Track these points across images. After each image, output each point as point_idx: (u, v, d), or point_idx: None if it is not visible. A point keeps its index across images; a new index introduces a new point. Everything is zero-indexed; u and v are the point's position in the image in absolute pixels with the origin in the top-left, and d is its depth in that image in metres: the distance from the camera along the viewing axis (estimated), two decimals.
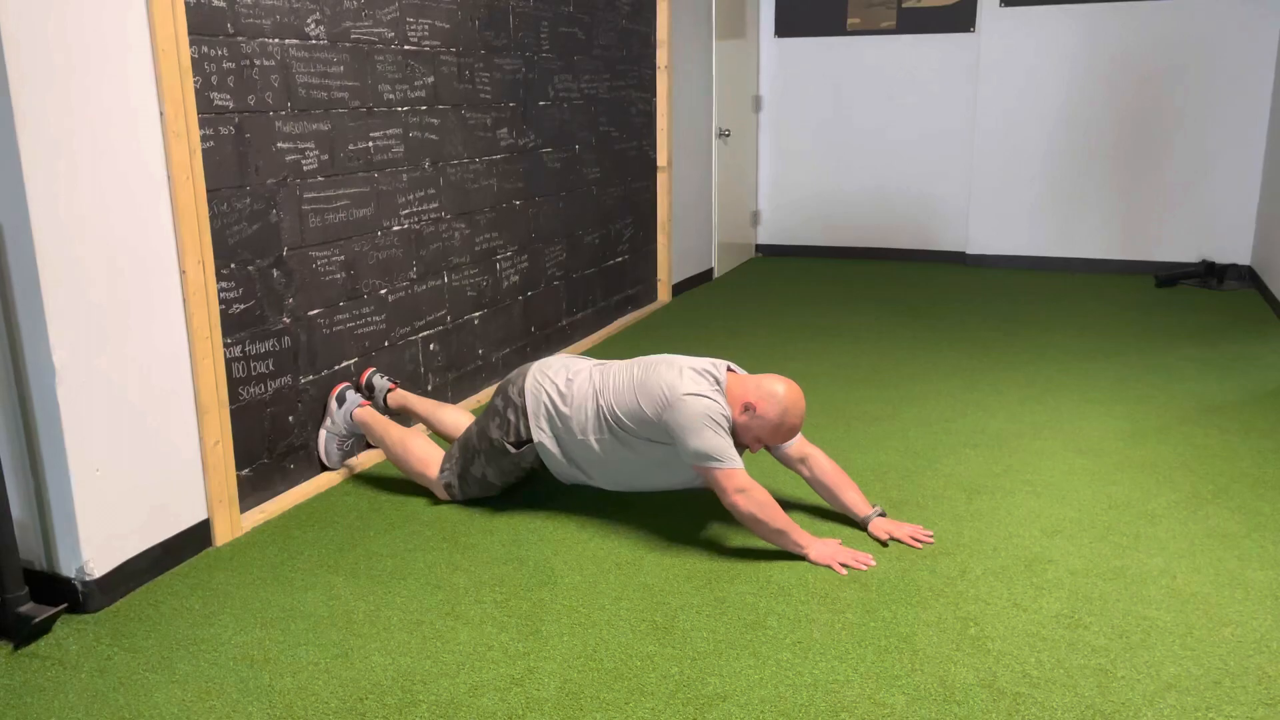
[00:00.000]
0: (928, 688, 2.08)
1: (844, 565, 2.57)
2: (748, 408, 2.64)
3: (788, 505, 2.95)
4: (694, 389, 2.61)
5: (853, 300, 5.79)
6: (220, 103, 2.69)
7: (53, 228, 2.23)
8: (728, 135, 6.41)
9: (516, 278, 4.20)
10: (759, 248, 7.35)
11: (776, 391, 2.65)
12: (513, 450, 2.85)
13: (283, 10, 2.87)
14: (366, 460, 3.31)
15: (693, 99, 5.89)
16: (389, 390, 3.28)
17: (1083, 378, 4.20)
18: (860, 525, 2.80)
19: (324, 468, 3.19)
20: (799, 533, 2.62)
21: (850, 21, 6.75)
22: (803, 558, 2.62)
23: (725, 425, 2.61)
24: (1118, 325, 5.11)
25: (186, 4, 2.55)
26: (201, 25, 2.61)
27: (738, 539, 2.75)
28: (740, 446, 2.71)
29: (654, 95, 5.40)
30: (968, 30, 6.51)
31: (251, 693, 2.09)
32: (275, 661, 2.20)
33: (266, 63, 2.83)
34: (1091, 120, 6.35)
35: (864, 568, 2.57)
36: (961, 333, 5.00)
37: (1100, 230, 6.49)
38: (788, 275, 6.58)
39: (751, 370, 4.33)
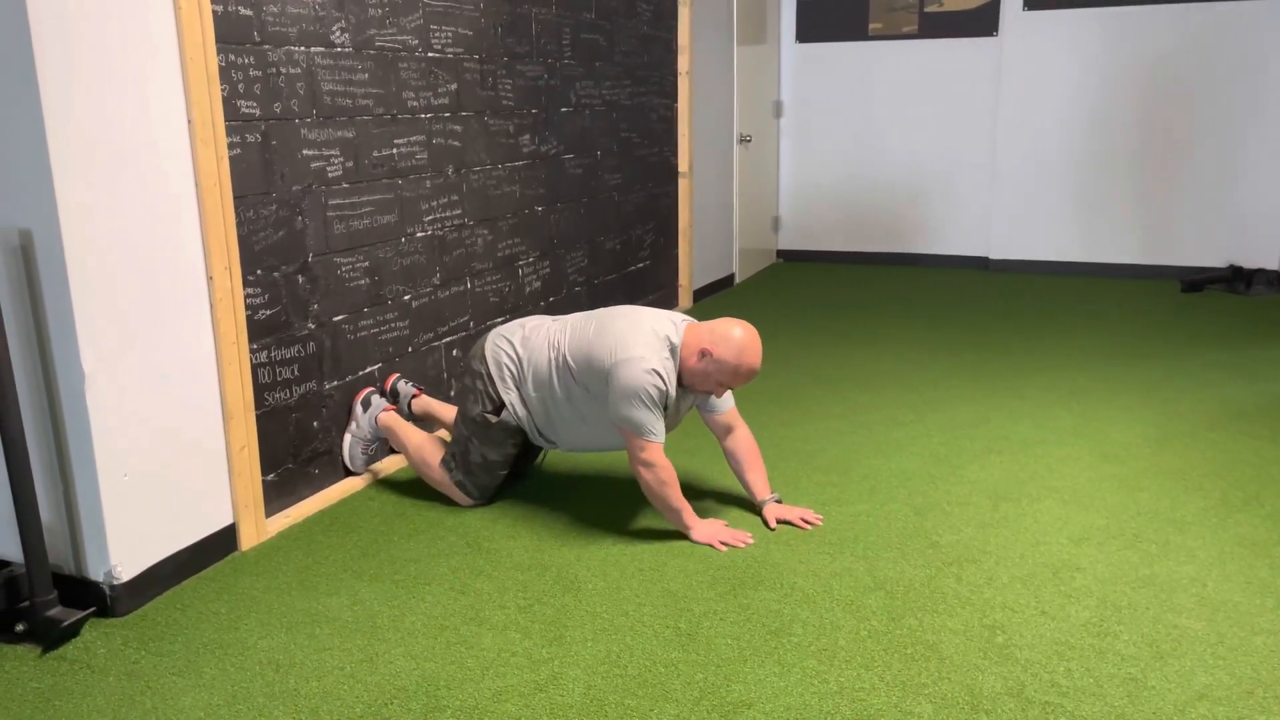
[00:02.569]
0: (954, 697, 2.06)
1: (724, 544, 2.71)
2: (704, 354, 2.67)
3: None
4: (643, 354, 2.63)
5: (874, 306, 5.77)
6: (247, 110, 2.71)
7: (82, 234, 2.25)
8: (749, 141, 6.40)
9: (538, 283, 4.21)
10: (780, 253, 7.33)
11: (732, 334, 2.68)
12: (494, 419, 2.87)
13: (308, 19, 2.89)
14: (390, 465, 3.32)
15: (714, 105, 5.89)
16: (413, 396, 3.29)
17: (1109, 383, 4.16)
18: (757, 507, 2.93)
19: (348, 472, 3.20)
20: (689, 514, 2.76)
21: (872, 26, 6.74)
22: (686, 536, 2.76)
23: (658, 399, 2.66)
24: (1144, 330, 5.06)
25: (214, 13, 2.57)
26: (229, 34, 2.63)
27: (761, 545, 2.74)
28: (704, 393, 2.80)
29: (675, 101, 5.41)
30: (990, 34, 6.48)
31: (277, 697, 2.10)
32: (300, 666, 2.21)
33: (292, 70, 2.85)
34: (1116, 124, 6.30)
35: (742, 545, 2.72)
36: (985, 338, 4.97)
37: (1125, 235, 6.44)
38: (809, 281, 6.56)
39: (771, 374, 4.32)
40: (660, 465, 2.68)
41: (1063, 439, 3.52)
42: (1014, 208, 6.64)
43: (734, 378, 2.70)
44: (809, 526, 2.84)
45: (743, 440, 2.93)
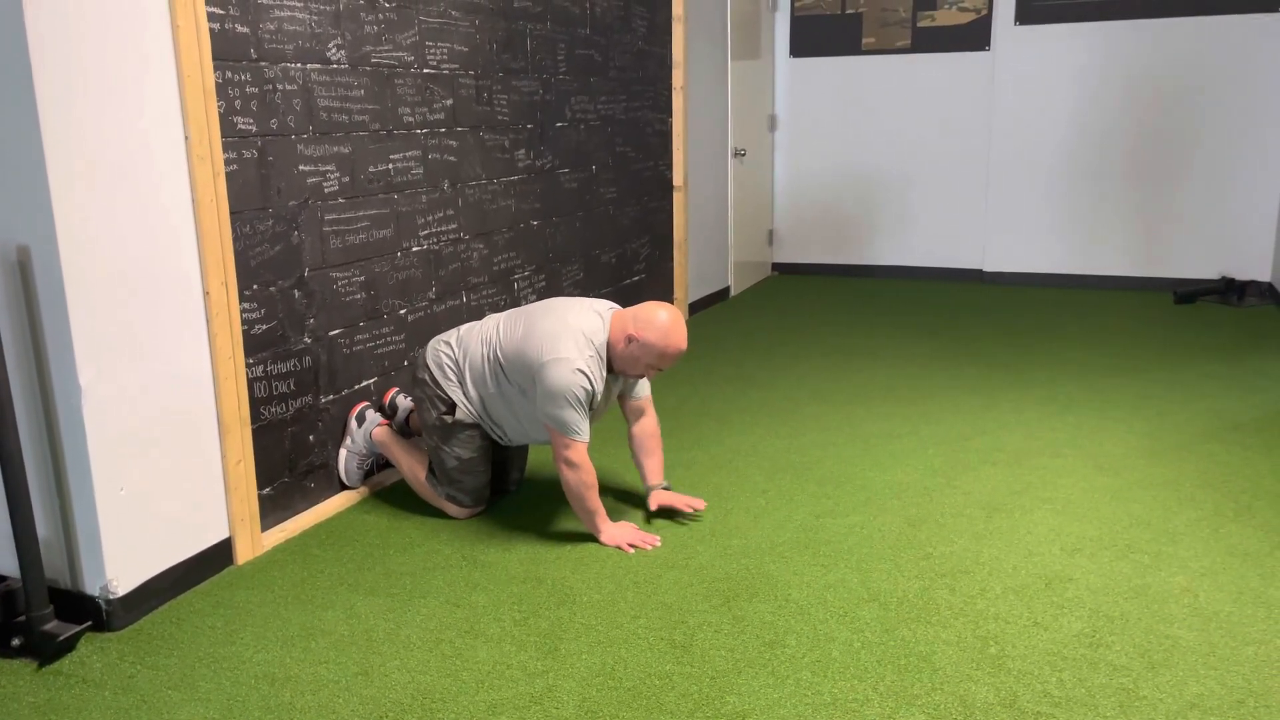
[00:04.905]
0: (948, 707, 2.07)
1: (632, 545, 2.80)
2: (630, 339, 2.75)
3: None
4: (570, 354, 2.70)
5: (870, 318, 5.79)
6: (244, 126, 2.73)
7: (79, 249, 2.26)
8: (743, 155, 6.43)
9: (534, 297, 4.22)
10: (775, 266, 7.36)
11: (657, 318, 2.75)
12: (450, 419, 2.93)
13: (305, 36, 2.91)
14: (386, 479, 3.33)
15: (708, 119, 5.92)
16: (411, 411, 3.30)
17: (1102, 395, 4.18)
18: (644, 491, 3.05)
19: (344, 486, 3.21)
20: (602, 517, 2.85)
21: (865, 41, 6.78)
22: (595, 539, 2.85)
23: (585, 399, 2.72)
24: (1137, 342, 5.09)
25: (211, 31, 2.60)
26: (225, 51, 2.65)
27: (756, 557, 2.75)
28: (635, 378, 2.88)
29: (670, 116, 5.44)
30: (983, 49, 6.52)
31: (273, 711, 2.10)
32: (296, 680, 2.21)
33: (289, 87, 2.87)
34: (1108, 137, 6.34)
35: (649, 548, 2.81)
36: (979, 350, 4.99)
37: (1118, 247, 6.47)
38: (804, 294, 6.59)
39: (767, 385, 4.34)
40: (584, 467, 2.76)
41: (1057, 450, 3.53)
42: (1008, 220, 6.68)
43: (661, 359, 2.77)
44: (691, 511, 2.98)
45: (648, 427, 3.03)
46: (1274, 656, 2.22)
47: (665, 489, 3.03)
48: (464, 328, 3.02)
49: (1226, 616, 2.40)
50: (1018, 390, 4.28)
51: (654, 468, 3.03)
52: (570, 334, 2.74)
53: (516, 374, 2.81)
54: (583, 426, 2.74)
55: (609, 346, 2.78)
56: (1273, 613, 2.41)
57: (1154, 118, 6.22)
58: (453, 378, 2.94)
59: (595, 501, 2.82)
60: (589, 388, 2.72)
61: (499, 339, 2.87)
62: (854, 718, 2.04)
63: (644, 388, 3.01)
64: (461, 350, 2.94)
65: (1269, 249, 6.13)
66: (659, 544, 2.83)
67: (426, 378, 2.97)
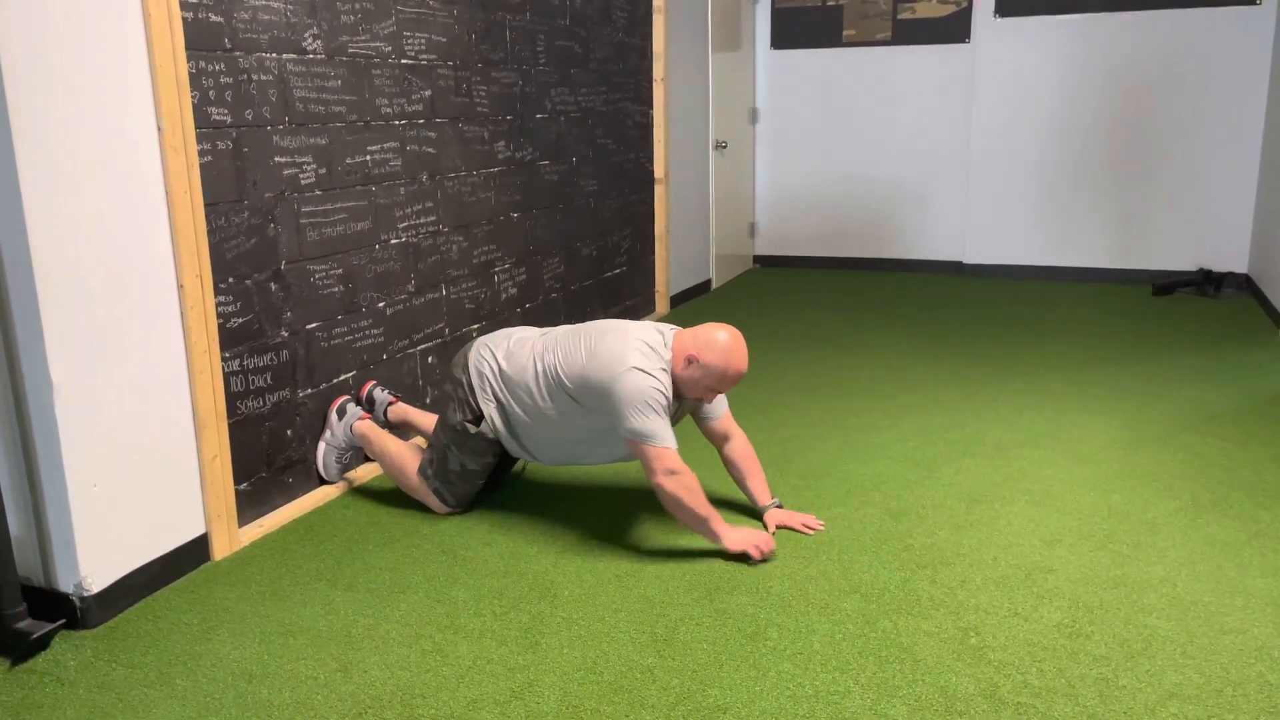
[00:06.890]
0: (929, 698, 2.07)
1: (759, 549, 2.65)
2: (690, 360, 2.66)
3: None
4: (640, 364, 2.63)
5: (850, 311, 5.80)
6: (218, 117, 2.69)
7: (51, 243, 2.23)
8: (725, 147, 6.42)
9: (514, 290, 4.20)
10: (756, 259, 7.36)
11: (717, 339, 2.66)
12: (473, 429, 2.86)
13: (280, 25, 2.88)
14: (365, 474, 3.30)
15: (689, 111, 5.91)
16: (389, 404, 3.27)
17: (1082, 387, 4.20)
18: (758, 514, 2.91)
19: (322, 481, 3.18)
20: (719, 522, 2.67)
21: (846, 33, 6.78)
22: (720, 547, 2.68)
23: (665, 405, 2.64)
24: (1116, 334, 5.12)
25: (184, 20, 2.56)
26: (199, 41, 2.62)
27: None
28: (694, 401, 2.78)
29: (651, 108, 5.42)
30: (963, 41, 6.53)
31: (250, 708, 2.08)
32: (274, 676, 2.19)
33: (264, 77, 2.83)
34: (1087, 129, 6.37)
35: (771, 551, 2.68)
36: (960, 342, 5.01)
37: (1097, 239, 6.50)
38: (785, 286, 6.59)
39: (747, 378, 4.34)
40: (684, 471, 2.62)
41: (1036, 442, 3.55)
42: (988, 212, 6.70)
43: (721, 382, 2.69)
44: (810, 532, 2.83)
45: (740, 447, 2.92)
46: (1251, 645, 2.24)
47: (778, 507, 2.91)
48: (514, 340, 2.88)
49: (1204, 606, 2.41)
50: (997, 382, 4.30)
51: (760, 488, 2.91)
52: (638, 346, 2.66)
53: (583, 394, 2.69)
54: (670, 433, 2.63)
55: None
56: (1250, 602, 2.43)
57: (1133, 110, 6.25)
58: (489, 391, 2.83)
59: (706, 506, 2.66)
60: (667, 394, 2.63)
61: (559, 360, 2.73)
62: (835, 710, 2.04)
63: (720, 405, 2.89)
64: (510, 366, 2.82)
65: (1246, 241, 6.18)
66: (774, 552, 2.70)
67: (464, 379, 2.87)
